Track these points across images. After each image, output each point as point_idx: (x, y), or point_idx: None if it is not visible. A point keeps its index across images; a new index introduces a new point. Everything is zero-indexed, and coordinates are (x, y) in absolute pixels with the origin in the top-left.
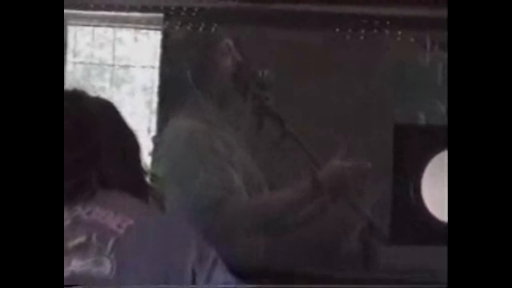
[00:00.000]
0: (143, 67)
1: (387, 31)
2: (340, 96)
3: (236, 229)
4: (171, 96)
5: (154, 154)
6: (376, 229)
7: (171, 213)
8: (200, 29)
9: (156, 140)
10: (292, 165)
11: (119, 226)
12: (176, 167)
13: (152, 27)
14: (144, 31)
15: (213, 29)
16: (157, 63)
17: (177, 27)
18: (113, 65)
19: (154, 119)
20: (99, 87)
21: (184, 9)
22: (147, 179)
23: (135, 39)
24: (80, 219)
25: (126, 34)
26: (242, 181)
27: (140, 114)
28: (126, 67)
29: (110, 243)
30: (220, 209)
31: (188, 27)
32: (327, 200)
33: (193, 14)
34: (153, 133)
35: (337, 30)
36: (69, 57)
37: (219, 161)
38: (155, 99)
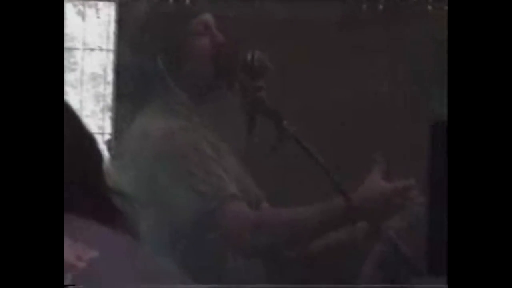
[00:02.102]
0: (92, 49)
1: None
2: (353, 85)
3: (235, 248)
4: (132, 87)
5: (112, 163)
6: (402, 255)
7: (147, 241)
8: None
9: (112, 145)
10: (294, 175)
11: (78, 258)
12: (149, 180)
13: None
14: (92, 2)
15: (188, 0)
16: (111, 45)
17: None
18: None
19: (107, 117)
20: None
21: None
22: (115, 198)
23: (81, 14)
24: None
25: (69, 7)
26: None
27: (88, 110)
28: (69, 50)
29: (67, 281)
30: (213, 224)
31: None
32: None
33: None
34: (107, 135)
35: None
36: None
37: (206, 163)
38: (108, 92)
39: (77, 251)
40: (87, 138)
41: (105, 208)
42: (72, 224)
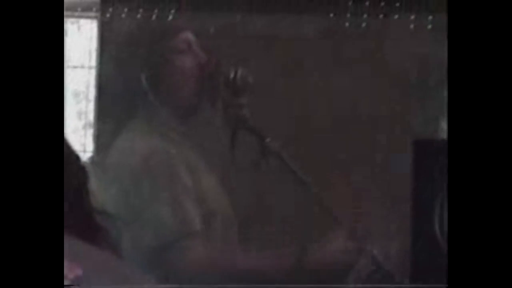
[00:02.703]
0: (74, 67)
1: (396, 16)
2: (337, 102)
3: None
4: (114, 104)
5: (94, 181)
6: (383, 271)
7: (128, 258)
8: (154, 17)
9: (94, 162)
10: (276, 193)
11: (64, 277)
12: (129, 199)
13: (86, 14)
14: (73, 19)
15: (170, 16)
16: (93, 62)
17: (122, 15)
18: None
19: (89, 134)
20: None
21: None
22: (98, 216)
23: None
24: None
25: None
26: (205, 219)
27: (70, 128)
28: None
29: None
30: (170, 257)
31: (138, 15)
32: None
33: None
34: (89, 153)
35: (332, 15)
36: None
37: (177, 193)
38: (90, 109)
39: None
40: (72, 156)
41: (88, 226)
42: None
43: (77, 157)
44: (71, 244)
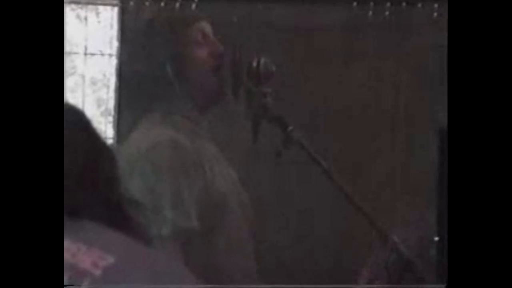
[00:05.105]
0: (92, 54)
1: (419, 5)
2: (360, 91)
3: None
4: (135, 93)
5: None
6: (406, 260)
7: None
8: (177, 5)
9: (117, 150)
10: (299, 182)
11: (94, 264)
12: (150, 190)
13: (108, 1)
14: (92, 6)
15: (193, 5)
16: (112, 49)
17: (146, 3)
18: None
19: (108, 122)
20: None
21: None
22: (127, 206)
23: (80, 18)
24: None
25: (68, 11)
26: (218, 212)
27: (89, 115)
28: (69, 54)
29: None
30: (165, 249)
31: (162, 3)
32: None
33: None
34: (109, 141)
35: (355, 4)
36: None
37: (184, 187)
38: (110, 96)
39: (93, 257)
40: (103, 147)
41: (118, 215)
42: (87, 230)
43: (104, 145)
44: (102, 233)
